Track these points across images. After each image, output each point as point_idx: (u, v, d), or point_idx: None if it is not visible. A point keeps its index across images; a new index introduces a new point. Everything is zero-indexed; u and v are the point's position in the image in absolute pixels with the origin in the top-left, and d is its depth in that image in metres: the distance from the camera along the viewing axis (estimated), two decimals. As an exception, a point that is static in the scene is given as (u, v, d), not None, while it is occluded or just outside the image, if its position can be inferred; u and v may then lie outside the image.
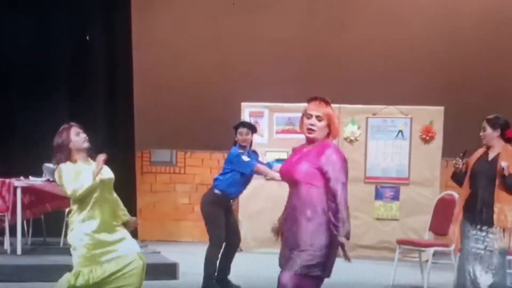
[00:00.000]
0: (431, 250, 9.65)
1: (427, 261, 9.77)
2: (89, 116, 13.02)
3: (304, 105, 12.28)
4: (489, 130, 7.71)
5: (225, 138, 13.13)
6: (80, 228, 6.83)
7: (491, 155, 7.70)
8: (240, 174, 9.07)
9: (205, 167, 13.63)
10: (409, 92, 12.70)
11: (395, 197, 12.19)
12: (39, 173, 10.88)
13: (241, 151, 9.14)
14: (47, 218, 11.53)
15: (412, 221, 11.94)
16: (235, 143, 9.24)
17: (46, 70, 12.87)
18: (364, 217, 12.08)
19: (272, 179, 9.29)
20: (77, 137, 7.00)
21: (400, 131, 12.21)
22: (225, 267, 9.15)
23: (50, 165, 10.96)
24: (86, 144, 7.02)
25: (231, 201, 9.24)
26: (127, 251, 6.95)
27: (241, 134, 9.20)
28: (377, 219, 12.26)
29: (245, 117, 12.54)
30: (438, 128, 12.07)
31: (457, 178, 7.87)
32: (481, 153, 7.76)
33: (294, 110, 12.48)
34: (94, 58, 13.11)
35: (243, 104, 12.59)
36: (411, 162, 12.09)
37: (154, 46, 13.68)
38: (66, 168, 6.87)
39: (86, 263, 6.80)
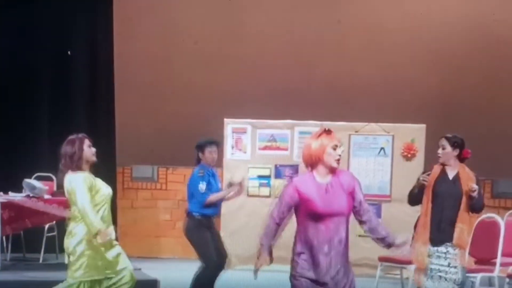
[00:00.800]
0: (413, 267, 9.64)
1: (408, 278, 9.77)
2: (70, 132, 12.96)
3: (288, 121, 12.32)
4: (448, 148, 7.79)
5: (207, 154, 13.11)
6: (81, 232, 6.82)
7: (450, 174, 7.77)
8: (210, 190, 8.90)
9: (186, 184, 13.56)
10: (391, 110, 12.75)
11: (377, 214, 12.18)
12: (19, 189, 10.83)
13: (201, 173, 8.88)
14: (27, 234, 11.46)
15: (394, 238, 11.94)
16: (198, 161, 9.00)
17: (26, 87, 12.82)
18: (346, 234, 12.06)
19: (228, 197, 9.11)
20: (89, 149, 7.04)
21: (382, 148, 12.24)
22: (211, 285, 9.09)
23: (31, 181, 10.95)
24: (94, 158, 7.10)
25: (213, 219, 9.10)
26: (122, 268, 6.96)
27: (211, 153, 8.97)
28: (359, 236, 12.19)
29: (228, 133, 12.56)
30: (420, 146, 12.11)
31: (415, 197, 7.87)
32: (439, 172, 7.80)
33: (277, 126, 12.53)
34: (75, 74, 13.08)
35: (226, 120, 12.60)
36: (393, 179, 12.11)
37: (136, 62, 13.66)
38: (78, 180, 6.86)
39: (90, 273, 6.79)
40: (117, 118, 13.20)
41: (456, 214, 7.66)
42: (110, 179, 13.15)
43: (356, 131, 12.30)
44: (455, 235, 7.62)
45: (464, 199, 7.65)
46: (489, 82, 13.18)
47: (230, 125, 12.62)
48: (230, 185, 9.04)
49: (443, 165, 7.80)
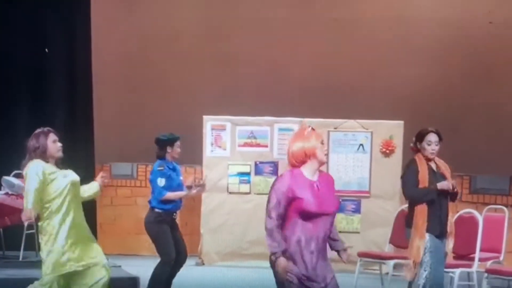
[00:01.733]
0: (391, 262, 9.72)
1: (387, 273, 9.83)
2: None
3: (267, 118, 12.34)
4: (439, 144, 7.83)
5: (187, 151, 13.11)
6: (49, 229, 6.82)
7: (434, 168, 7.82)
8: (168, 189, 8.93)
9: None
10: (370, 107, 12.80)
11: (357, 210, 12.25)
12: (-3, 186, 10.79)
13: (160, 167, 8.95)
14: (6, 232, 11.42)
15: (373, 234, 12.01)
16: (159, 156, 9.05)
17: (4, 84, 12.76)
18: (325, 230, 12.11)
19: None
20: (53, 144, 7.02)
21: (361, 144, 12.30)
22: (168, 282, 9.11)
23: (9, 179, 10.91)
24: (60, 154, 7.05)
25: (174, 215, 9.08)
26: (96, 261, 6.97)
27: (179, 147, 9.08)
28: (339, 232, 12.27)
29: (207, 130, 12.56)
30: (398, 142, 12.17)
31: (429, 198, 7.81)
32: (427, 166, 7.83)
33: (256, 123, 12.54)
34: (53, 72, 13.03)
35: (205, 117, 12.60)
36: (372, 175, 12.17)
37: (115, 59, 13.64)
38: (31, 166, 6.92)
39: (60, 269, 6.81)
40: (96, 115, 13.17)
41: (448, 206, 7.77)
42: (89, 177, 13.15)
43: (335, 128, 12.34)
44: (448, 224, 7.73)
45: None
46: (466, 78, 13.25)
47: (209, 122, 12.62)
48: (190, 187, 9.06)
49: (428, 160, 7.81)
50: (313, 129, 6.15)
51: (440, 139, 7.82)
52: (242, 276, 11.13)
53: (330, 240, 6.17)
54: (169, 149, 9.07)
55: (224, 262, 12.13)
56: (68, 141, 12.90)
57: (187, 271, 9.54)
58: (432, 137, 7.80)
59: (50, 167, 7.09)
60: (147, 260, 10.27)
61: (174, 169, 9.09)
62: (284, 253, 5.89)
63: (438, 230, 7.64)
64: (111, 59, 13.57)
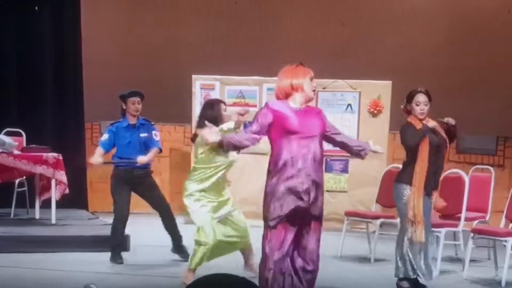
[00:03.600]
0: (378, 221, 9.84)
1: (374, 232, 9.96)
2: (37, 89, 12.97)
3: (256, 78, 12.35)
4: (428, 103, 7.89)
5: (176, 110, 13.22)
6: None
7: (431, 126, 7.87)
8: (119, 143, 9.09)
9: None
10: (358, 67, 12.84)
11: (344, 170, 12.35)
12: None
13: (132, 122, 9.14)
14: (-3, 190, 11.49)
15: (360, 193, 12.13)
16: (123, 113, 9.22)
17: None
18: (313, 189, 12.23)
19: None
20: (225, 112, 7.88)
21: (349, 104, 12.37)
22: (174, 236, 9.22)
23: (1, 137, 10.92)
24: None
25: (132, 173, 9.14)
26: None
27: (134, 103, 9.20)
28: (327, 191, 12.39)
29: (196, 89, 12.58)
30: (386, 102, 12.24)
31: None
32: (422, 125, 7.87)
33: (245, 83, 12.56)
34: (41, 31, 13.00)
35: (194, 76, 12.62)
36: (359, 135, 12.23)
37: (104, 19, 13.61)
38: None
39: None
40: (85, 74, 13.17)
41: (441, 163, 7.87)
42: (79, 135, 13.22)
43: (324, 88, 12.39)
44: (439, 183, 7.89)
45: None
46: (453, 40, 13.30)
47: (198, 81, 12.64)
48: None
49: (421, 120, 7.87)
50: (301, 64, 6.38)
51: (430, 99, 7.88)
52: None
53: (356, 150, 6.61)
54: (124, 106, 9.24)
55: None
56: (58, 100, 13.06)
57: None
58: (421, 98, 7.86)
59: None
60: (138, 217, 10.37)
61: (128, 127, 9.15)
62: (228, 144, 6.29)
63: (428, 189, 7.74)
64: (101, 18, 13.53)
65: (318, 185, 6.29)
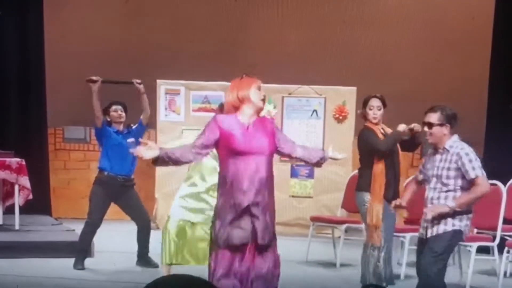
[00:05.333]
0: (343, 226, 9.86)
1: (339, 237, 9.97)
2: (1, 92, 12.85)
3: (221, 83, 12.37)
4: (382, 109, 7.96)
5: (140, 115, 13.10)
6: None
7: (384, 133, 7.93)
8: (109, 149, 9.04)
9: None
10: (323, 73, 12.87)
11: (310, 175, 12.37)
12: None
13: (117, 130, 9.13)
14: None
15: (326, 199, 12.15)
16: (109, 124, 9.20)
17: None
18: (279, 195, 12.18)
19: None
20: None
21: (315, 110, 12.39)
22: (143, 245, 9.17)
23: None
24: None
25: (119, 179, 9.07)
26: None
27: (116, 111, 9.23)
28: (292, 196, 12.43)
29: (161, 94, 12.53)
30: (351, 108, 12.28)
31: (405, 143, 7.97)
32: (379, 130, 7.93)
33: (210, 88, 12.53)
34: (6, 34, 12.88)
35: (159, 81, 12.56)
36: (325, 141, 12.27)
37: (68, 21, 13.52)
38: None
39: None
40: (48, 79, 13.06)
41: (399, 168, 7.91)
42: (41, 140, 13.11)
43: (289, 93, 12.41)
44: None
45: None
46: (420, 43, 13.37)
47: (163, 86, 12.60)
48: None
49: (376, 124, 7.91)
50: (247, 75, 6.23)
51: (384, 105, 7.93)
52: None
53: (315, 164, 6.44)
54: (108, 117, 9.26)
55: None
56: (20, 105, 12.94)
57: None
58: (374, 102, 7.91)
59: None
60: (103, 224, 10.30)
61: (117, 133, 9.18)
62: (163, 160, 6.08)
63: (390, 194, 7.75)
64: (64, 22, 13.45)
65: (265, 206, 6.09)
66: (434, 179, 6.57)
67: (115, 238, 10.37)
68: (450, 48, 13.19)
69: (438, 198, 6.53)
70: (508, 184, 8.98)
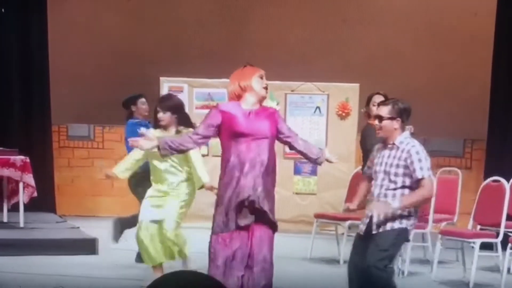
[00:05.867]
0: (347, 223, 9.88)
1: (343, 234, 9.99)
2: (4, 91, 12.87)
3: (224, 80, 12.33)
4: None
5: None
6: None
7: None
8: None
9: (123, 142, 13.54)
10: (326, 70, 12.88)
11: (313, 172, 12.38)
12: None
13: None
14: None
15: (329, 195, 12.16)
16: (129, 117, 9.24)
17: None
18: (283, 192, 12.21)
19: None
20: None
21: (318, 107, 12.40)
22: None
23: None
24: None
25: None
26: None
27: (144, 104, 9.31)
28: (296, 193, 12.44)
29: (164, 92, 12.53)
30: (354, 105, 12.29)
31: None
32: None
33: (213, 85, 12.54)
34: (9, 32, 12.90)
35: (162, 78, 12.58)
36: (328, 137, 12.29)
37: (71, 19, 13.54)
38: None
39: None
40: (52, 76, 13.08)
41: None
42: (46, 137, 13.14)
43: (292, 90, 12.42)
44: None
45: None
46: (422, 41, 13.36)
47: (166, 83, 12.60)
48: None
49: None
50: (249, 64, 6.29)
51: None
52: (199, 236, 11.22)
53: (312, 158, 6.45)
54: (133, 108, 9.27)
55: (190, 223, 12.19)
56: (24, 102, 12.96)
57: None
58: (377, 99, 7.94)
59: None
60: (105, 221, 10.31)
61: (146, 126, 9.07)
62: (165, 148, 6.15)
63: None
64: (68, 20, 13.47)
65: (266, 190, 6.15)
66: (382, 175, 6.43)
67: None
68: (453, 44, 13.19)
69: (386, 195, 6.38)
70: (511, 180, 8.99)
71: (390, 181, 6.37)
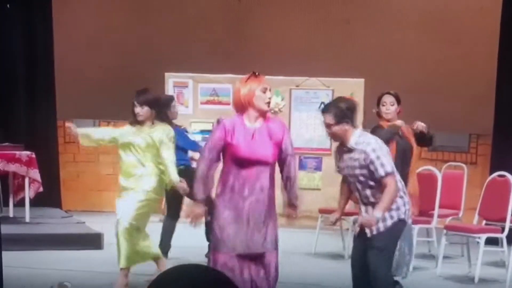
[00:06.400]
0: (351, 218, 9.88)
1: (348, 229, 10.00)
2: (10, 87, 12.90)
3: (228, 76, 12.34)
4: (396, 105, 7.93)
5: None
6: None
7: (398, 125, 7.95)
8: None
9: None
10: (330, 65, 12.86)
11: (318, 167, 12.38)
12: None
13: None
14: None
15: (334, 191, 12.10)
16: (163, 118, 8.69)
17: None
18: (287, 187, 12.26)
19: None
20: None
21: (322, 102, 12.36)
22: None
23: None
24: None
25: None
26: None
27: (175, 107, 9.13)
28: (301, 189, 12.41)
29: (169, 87, 12.55)
30: (359, 100, 12.25)
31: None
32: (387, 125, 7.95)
33: (218, 81, 12.55)
34: (14, 28, 12.91)
35: (167, 74, 12.58)
36: (333, 133, 12.26)
37: (76, 15, 13.55)
38: None
39: None
40: (57, 71, 13.10)
41: (409, 165, 7.91)
42: (51, 133, 13.16)
43: (297, 86, 12.42)
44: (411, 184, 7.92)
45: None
46: (427, 35, 13.34)
47: (171, 79, 12.61)
48: None
49: (389, 121, 7.90)
50: (256, 75, 6.07)
51: (398, 101, 7.91)
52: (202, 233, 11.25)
53: (285, 192, 6.28)
54: (168, 110, 8.91)
55: (186, 219, 12.19)
56: (30, 98, 12.99)
57: (152, 227, 9.61)
58: (386, 98, 7.92)
59: None
60: (110, 217, 10.33)
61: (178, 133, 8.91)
62: (205, 200, 6.01)
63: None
64: (73, 16, 13.47)
65: (265, 214, 6.03)
66: (352, 179, 6.37)
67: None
68: (458, 39, 13.17)
69: (367, 197, 6.32)
70: (516, 175, 8.99)
71: (359, 182, 6.31)
